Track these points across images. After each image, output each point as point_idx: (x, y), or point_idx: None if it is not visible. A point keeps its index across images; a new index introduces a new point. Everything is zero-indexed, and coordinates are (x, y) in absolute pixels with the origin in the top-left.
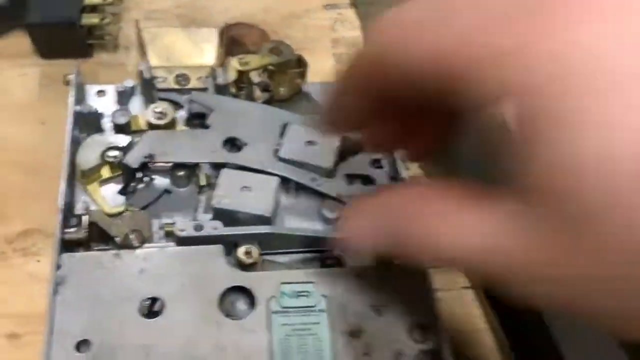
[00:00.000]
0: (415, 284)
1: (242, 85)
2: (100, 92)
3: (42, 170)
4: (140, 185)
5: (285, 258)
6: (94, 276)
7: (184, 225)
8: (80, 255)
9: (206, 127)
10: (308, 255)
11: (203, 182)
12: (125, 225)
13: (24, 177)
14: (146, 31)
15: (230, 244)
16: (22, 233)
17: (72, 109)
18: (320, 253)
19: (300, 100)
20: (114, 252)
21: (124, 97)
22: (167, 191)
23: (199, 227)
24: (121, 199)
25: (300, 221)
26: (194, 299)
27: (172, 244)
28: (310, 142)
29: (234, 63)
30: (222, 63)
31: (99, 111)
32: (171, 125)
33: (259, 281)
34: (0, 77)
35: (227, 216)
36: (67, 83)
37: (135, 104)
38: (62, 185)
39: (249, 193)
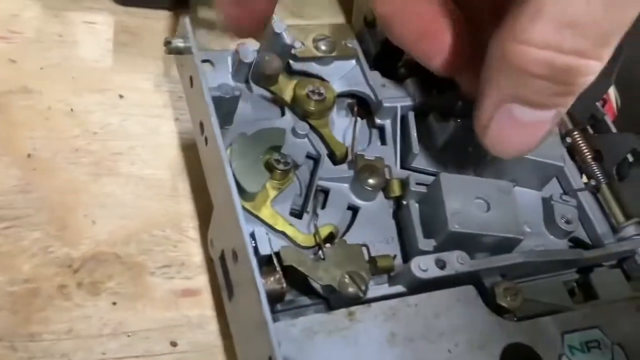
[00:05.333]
0: None
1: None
2: (206, 63)
3: (120, 167)
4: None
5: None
6: (331, 353)
7: (423, 262)
8: (303, 322)
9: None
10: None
11: (396, 191)
12: (333, 266)
13: (94, 174)
14: None
15: (471, 280)
16: (91, 258)
17: (209, 95)
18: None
19: None
20: (344, 311)
21: (242, 69)
22: (351, 208)
23: (441, 264)
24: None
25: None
26: None
27: (396, 287)
28: None
29: None
30: (370, 20)
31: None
32: (328, 107)
33: (535, 333)
34: (63, 23)
35: (463, 241)
36: (173, 51)
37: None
38: (241, 219)
39: (485, 206)
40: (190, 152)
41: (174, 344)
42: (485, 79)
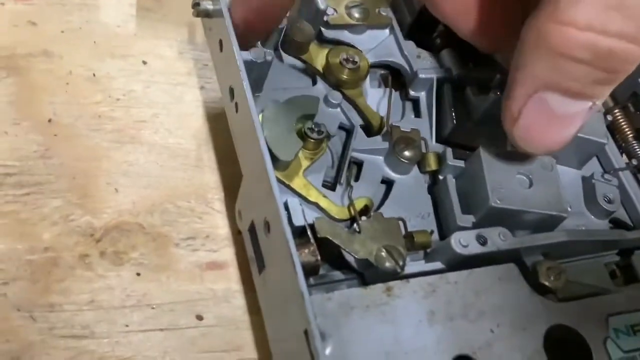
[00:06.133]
0: None
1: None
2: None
3: (143, 135)
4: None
5: None
6: (369, 329)
7: (464, 238)
8: (339, 296)
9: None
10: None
11: (432, 165)
12: (369, 240)
13: (116, 142)
14: None
15: (511, 258)
16: (114, 227)
17: (241, 58)
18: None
19: None
20: (381, 286)
21: (272, 35)
22: (385, 182)
23: (483, 240)
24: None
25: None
26: (511, 353)
27: (434, 264)
28: None
29: None
30: None
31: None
32: (361, 77)
33: (580, 315)
34: None
35: (504, 218)
36: (202, 14)
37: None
38: (275, 188)
39: (527, 182)
40: (215, 122)
41: (199, 318)
42: (518, 66)
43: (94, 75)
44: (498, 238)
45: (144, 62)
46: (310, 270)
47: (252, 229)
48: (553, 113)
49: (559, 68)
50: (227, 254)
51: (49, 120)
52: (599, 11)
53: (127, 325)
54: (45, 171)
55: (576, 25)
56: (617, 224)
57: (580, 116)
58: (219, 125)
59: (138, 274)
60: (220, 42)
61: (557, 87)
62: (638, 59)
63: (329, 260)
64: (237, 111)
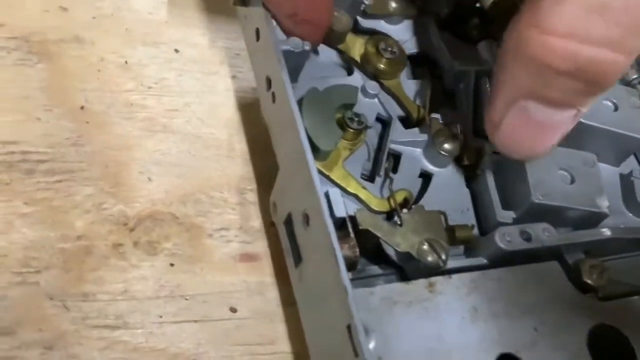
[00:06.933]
0: None
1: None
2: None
3: (175, 124)
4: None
5: None
6: (412, 325)
7: (508, 232)
8: (381, 291)
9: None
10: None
11: (471, 159)
12: (410, 233)
13: (148, 130)
14: None
15: (552, 256)
16: (147, 217)
17: (279, 49)
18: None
19: None
20: (424, 281)
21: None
22: (423, 175)
23: (526, 235)
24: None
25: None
26: (555, 352)
27: (475, 260)
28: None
29: None
30: None
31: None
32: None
33: (623, 314)
34: None
35: (545, 214)
36: (238, 2)
37: None
38: (316, 179)
39: (569, 178)
40: (247, 112)
41: (233, 310)
42: (499, 71)
43: (125, 62)
44: (542, 234)
45: (176, 51)
46: (349, 265)
47: (288, 222)
48: (535, 121)
49: (539, 78)
50: (261, 246)
51: (82, 107)
52: (580, 15)
53: (160, 316)
54: (77, 158)
55: (556, 33)
56: None
57: (564, 124)
58: (250, 116)
59: (172, 265)
60: (257, 30)
61: (538, 96)
62: (623, 69)
63: (365, 254)
64: (274, 101)
